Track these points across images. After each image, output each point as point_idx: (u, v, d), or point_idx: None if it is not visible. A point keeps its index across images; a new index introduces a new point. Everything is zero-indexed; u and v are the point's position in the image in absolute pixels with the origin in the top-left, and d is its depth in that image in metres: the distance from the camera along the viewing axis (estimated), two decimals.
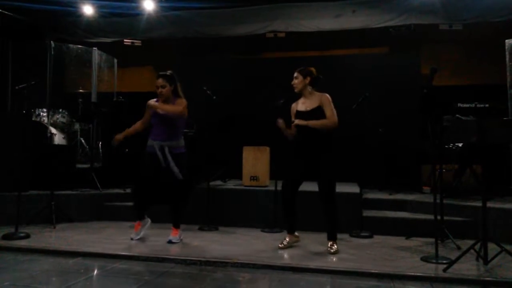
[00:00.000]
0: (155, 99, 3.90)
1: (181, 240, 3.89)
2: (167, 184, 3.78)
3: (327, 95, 3.65)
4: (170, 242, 3.79)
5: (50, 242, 3.78)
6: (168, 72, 3.88)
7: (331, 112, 3.57)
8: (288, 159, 3.73)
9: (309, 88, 3.69)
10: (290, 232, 3.78)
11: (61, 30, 7.18)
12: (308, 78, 3.68)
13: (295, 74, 3.71)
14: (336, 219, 3.64)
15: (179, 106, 3.79)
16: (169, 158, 3.75)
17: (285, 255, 3.47)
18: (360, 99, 4.35)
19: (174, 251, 3.55)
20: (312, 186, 3.79)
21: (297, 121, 3.62)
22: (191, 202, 4.80)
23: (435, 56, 6.53)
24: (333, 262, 3.24)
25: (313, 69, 3.73)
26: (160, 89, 3.79)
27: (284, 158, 3.77)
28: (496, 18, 5.78)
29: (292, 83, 3.73)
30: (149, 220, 4.05)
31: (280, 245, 3.69)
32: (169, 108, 3.77)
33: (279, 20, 6.49)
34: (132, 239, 3.90)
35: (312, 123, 3.55)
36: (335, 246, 3.55)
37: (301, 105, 3.72)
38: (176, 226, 3.92)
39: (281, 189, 3.74)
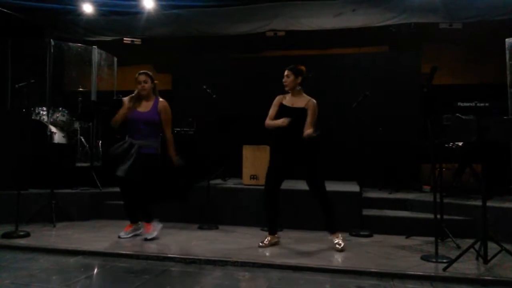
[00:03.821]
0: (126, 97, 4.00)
1: (156, 236, 3.89)
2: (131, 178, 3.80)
3: (314, 101, 3.69)
4: (145, 239, 3.85)
5: (50, 241, 3.78)
6: (148, 71, 4.03)
7: (312, 120, 3.60)
8: (271, 156, 3.79)
9: (298, 88, 3.74)
10: (272, 232, 3.77)
11: (61, 28, 7.18)
12: (300, 78, 3.71)
13: (287, 73, 3.73)
14: (333, 211, 3.66)
15: (168, 118, 4.00)
16: (134, 155, 3.79)
17: (285, 254, 3.46)
18: (360, 98, 4.35)
19: (174, 249, 3.55)
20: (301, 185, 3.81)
21: (308, 132, 3.49)
22: (191, 200, 4.84)
23: (435, 55, 6.52)
24: (333, 261, 3.25)
25: (303, 68, 3.75)
26: (142, 84, 3.92)
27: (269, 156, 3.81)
28: (496, 17, 5.78)
29: (284, 81, 3.75)
30: (142, 228, 4.02)
31: (260, 244, 3.69)
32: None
33: (279, 18, 6.48)
34: (119, 237, 3.92)
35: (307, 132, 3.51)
36: (341, 241, 3.57)
37: (288, 100, 3.76)
38: (147, 222, 3.95)
39: (264, 186, 3.77)
